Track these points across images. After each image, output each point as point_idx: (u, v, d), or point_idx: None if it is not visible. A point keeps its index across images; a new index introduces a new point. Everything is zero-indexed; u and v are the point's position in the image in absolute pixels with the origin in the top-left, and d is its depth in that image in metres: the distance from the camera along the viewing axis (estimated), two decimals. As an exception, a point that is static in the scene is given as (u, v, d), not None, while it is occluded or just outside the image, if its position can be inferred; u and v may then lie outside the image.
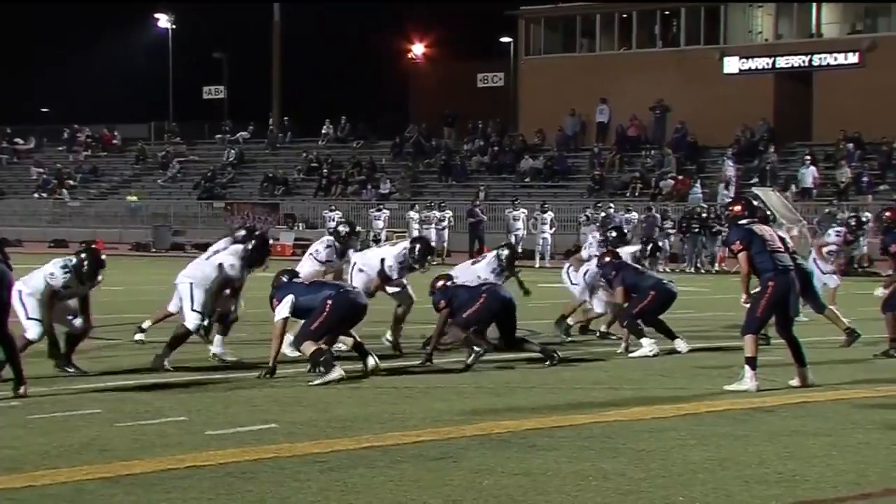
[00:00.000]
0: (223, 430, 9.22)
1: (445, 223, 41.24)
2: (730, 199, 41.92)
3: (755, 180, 43.86)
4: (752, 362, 11.43)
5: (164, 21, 65.35)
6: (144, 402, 10.51)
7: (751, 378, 11.37)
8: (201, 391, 11.29)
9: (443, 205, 42.43)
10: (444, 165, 52.84)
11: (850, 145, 45.73)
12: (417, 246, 14.25)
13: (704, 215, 36.98)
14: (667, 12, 53.24)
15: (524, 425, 9.48)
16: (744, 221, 11.90)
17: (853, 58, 48.54)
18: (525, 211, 40.51)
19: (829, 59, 48.99)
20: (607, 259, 15.27)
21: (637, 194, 46.17)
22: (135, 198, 55.02)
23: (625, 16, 54.06)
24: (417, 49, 70.72)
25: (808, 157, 44.88)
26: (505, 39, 59.88)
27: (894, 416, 10.08)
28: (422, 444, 8.73)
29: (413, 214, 41.84)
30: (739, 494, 7.33)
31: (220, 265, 13.03)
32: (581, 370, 13.12)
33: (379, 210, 44.01)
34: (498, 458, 8.29)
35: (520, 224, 39.68)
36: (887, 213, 14.83)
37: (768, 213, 33.89)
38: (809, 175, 44.08)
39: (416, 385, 11.81)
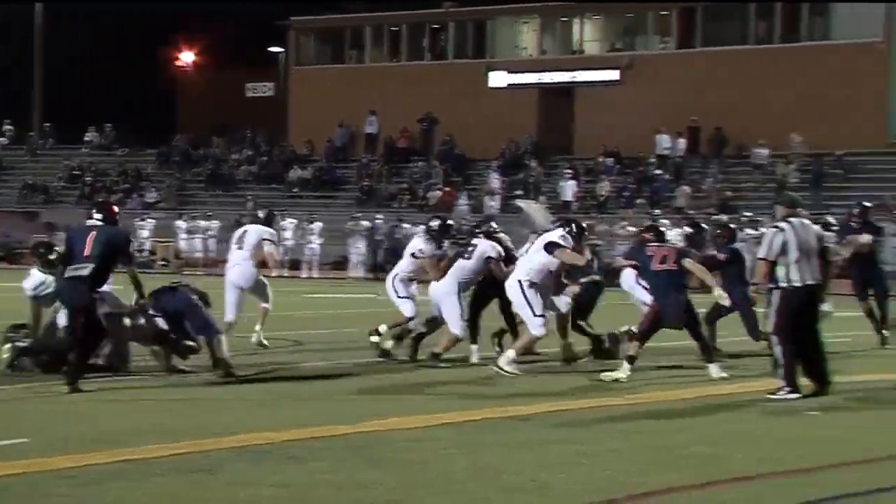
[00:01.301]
0: (-30, 446, 8.97)
1: (212, 232, 40.86)
2: (496, 209, 43.10)
3: (520, 192, 44.80)
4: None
5: (-82, 21, 62.83)
6: None
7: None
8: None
9: (209, 214, 42.00)
10: (211, 174, 52.29)
11: (610, 160, 47.18)
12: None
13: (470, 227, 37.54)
14: (435, 26, 53.95)
15: (283, 436, 9.50)
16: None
17: (613, 75, 50.07)
18: (294, 221, 40.45)
19: (591, 76, 50.42)
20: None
21: (405, 205, 46.60)
22: None
23: (394, 28, 54.54)
24: (186, 57, 69.77)
25: (570, 171, 46.12)
26: (275, 49, 59.66)
27: (638, 424, 10.47)
28: (180, 457, 8.67)
29: (180, 224, 41.29)
30: (495, 502, 7.52)
31: None
32: (342, 382, 13.16)
33: (143, 220, 43.29)
34: (256, 469, 8.30)
35: (288, 234, 39.58)
36: (718, 231, 15.61)
37: (531, 224, 35.00)
38: (570, 188, 45.30)
39: (179, 397, 11.71)
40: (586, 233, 14.89)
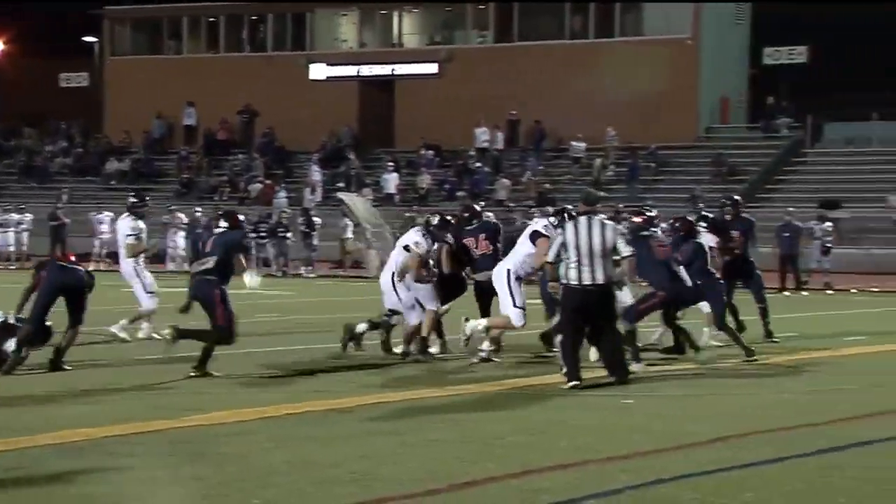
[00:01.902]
0: None
1: (25, 226, 39.83)
2: (317, 202, 43.00)
3: (341, 185, 44.80)
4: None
5: None
6: None
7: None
8: None
9: (22, 207, 40.94)
10: (24, 166, 50.97)
11: (430, 152, 47.49)
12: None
13: (289, 220, 37.43)
14: (254, 17, 53.49)
15: (102, 432, 9.36)
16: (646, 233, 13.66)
17: (432, 68, 50.39)
18: (111, 214, 39.62)
19: (410, 69, 50.64)
20: None
21: (225, 198, 46.13)
22: None
23: (212, 19, 53.90)
24: (-4, 45, 67.73)
25: (391, 164, 46.31)
26: (89, 39, 58.33)
27: (460, 415, 10.61)
28: (-6, 456, 8.48)
29: (-9, 217, 40.12)
30: (314, 495, 7.53)
31: None
32: (166, 372, 12.99)
33: (-48, 213, 41.92)
34: (74, 466, 8.16)
35: (105, 227, 38.77)
36: (678, 223, 14.95)
37: (353, 218, 35.05)
38: (392, 181, 45.50)
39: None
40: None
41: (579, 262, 12.00)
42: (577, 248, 12.01)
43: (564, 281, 12.15)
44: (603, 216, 12.55)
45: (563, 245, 12.15)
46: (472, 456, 8.65)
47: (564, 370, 12.04)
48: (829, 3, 50.04)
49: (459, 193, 44.19)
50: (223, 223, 13.34)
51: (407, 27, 52.34)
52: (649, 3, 47.92)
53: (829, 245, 30.88)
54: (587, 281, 12.02)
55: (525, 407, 11.07)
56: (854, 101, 48.20)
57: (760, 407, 11.20)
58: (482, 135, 47.38)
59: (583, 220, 12.20)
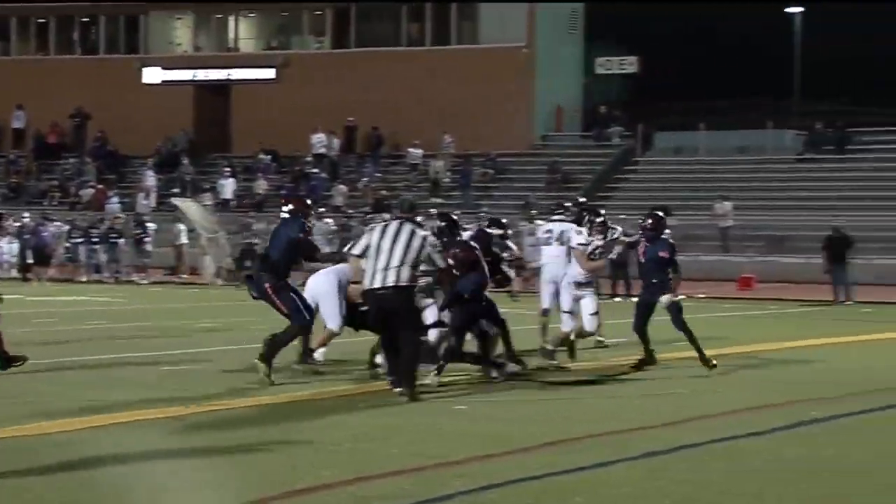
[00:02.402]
0: None
1: None
2: (152, 208, 42.40)
3: (176, 190, 44.21)
4: None
5: None
6: None
7: None
8: None
9: None
10: None
11: (268, 158, 47.20)
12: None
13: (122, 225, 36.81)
14: (86, 19, 52.50)
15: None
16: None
17: (269, 73, 50.09)
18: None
19: (246, 74, 50.25)
20: None
21: (55, 203, 45.17)
22: None
23: (42, 20, 52.73)
24: None
25: (228, 169, 45.89)
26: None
27: (293, 423, 10.56)
28: None
29: None
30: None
31: None
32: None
33: None
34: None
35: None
36: (649, 221, 14.57)
37: (188, 223, 34.62)
38: (228, 186, 45.11)
39: None
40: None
41: (376, 266, 11.89)
42: (378, 251, 11.90)
43: (368, 284, 12.07)
44: (413, 225, 12.17)
45: (366, 248, 12.05)
46: (305, 463, 8.63)
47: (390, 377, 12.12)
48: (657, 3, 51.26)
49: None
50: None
51: (243, 32, 51.98)
52: (485, 2, 48.29)
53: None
54: (378, 284, 11.90)
55: (359, 413, 11.06)
56: (682, 111, 49.45)
57: (592, 411, 11.40)
58: (319, 141, 47.26)
59: (392, 225, 12.12)
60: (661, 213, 14.86)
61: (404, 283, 11.91)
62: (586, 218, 15.42)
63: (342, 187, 44.72)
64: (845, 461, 8.96)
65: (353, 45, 50.06)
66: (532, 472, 8.34)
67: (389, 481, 8.07)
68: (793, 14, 50.87)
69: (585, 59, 50.49)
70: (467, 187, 44.19)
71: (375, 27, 50.17)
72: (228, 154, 49.44)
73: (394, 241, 11.93)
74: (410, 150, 46.96)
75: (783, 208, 40.11)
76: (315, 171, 46.03)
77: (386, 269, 11.87)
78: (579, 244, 14.87)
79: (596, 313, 15.10)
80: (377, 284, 11.92)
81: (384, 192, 43.89)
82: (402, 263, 11.88)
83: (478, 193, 44.18)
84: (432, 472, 8.37)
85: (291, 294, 13.12)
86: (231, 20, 51.56)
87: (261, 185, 45.43)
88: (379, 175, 46.55)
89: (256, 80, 49.96)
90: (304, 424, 10.41)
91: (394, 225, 12.13)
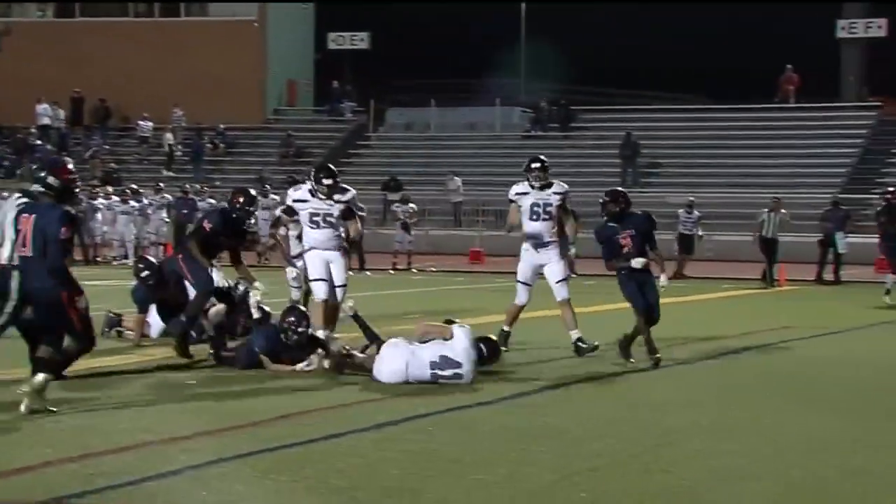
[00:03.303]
0: None
1: None
2: None
3: None
4: None
5: None
6: None
7: None
8: None
9: None
10: None
11: (-11, 129, 45.53)
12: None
13: None
14: None
15: None
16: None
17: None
18: None
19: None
20: None
21: None
22: None
23: None
24: None
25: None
26: None
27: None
28: None
29: None
30: None
31: None
32: None
33: None
34: None
35: None
36: (609, 202, 13.17)
37: None
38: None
39: None
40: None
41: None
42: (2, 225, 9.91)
43: None
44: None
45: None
46: (27, 440, 8.38)
47: None
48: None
49: (19, 171, 42.54)
50: None
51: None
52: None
53: (409, 222, 31.44)
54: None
55: (86, 390, 10.77)
56: (413, 88, 50.00)
57: (325, 384, 11.39)
58: (44, 112, 45.78)
59: (14, 197, 10.00)
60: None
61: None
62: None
63: (68, 159, 43.37)
64: (558, 427, 9.26)
65: (79, 14, 48.64)
66: (263, 445, 8.32)
67: (114, 458, 7.90)
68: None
69: (317, 33, 50.46)
70: (199, 160, 43.58)
71: (101, -3, 48.95)
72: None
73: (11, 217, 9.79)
74: (140, 122, 46.00)
75: (511, 184, 40.93)
76: (39, 142, 44.53)
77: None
78: None
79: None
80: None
81: (113, 165, 42.92)
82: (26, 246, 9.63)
83: (210, 167, 43.63)
84: (159, 448, 8.24)
85: None
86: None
87: (-20, 158, 43.73)
88: (107, 147, 45.43)
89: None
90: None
91: (13, 198, 10.02)
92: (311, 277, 13.19)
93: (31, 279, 9.51)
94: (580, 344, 13.36)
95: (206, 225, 13.11)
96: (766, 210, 27.36)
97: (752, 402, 10.65)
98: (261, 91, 47.97)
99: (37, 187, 9.77)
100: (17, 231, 9.63)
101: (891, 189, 24.31)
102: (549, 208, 13.74)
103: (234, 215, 13.13)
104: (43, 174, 9.81)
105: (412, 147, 45.45)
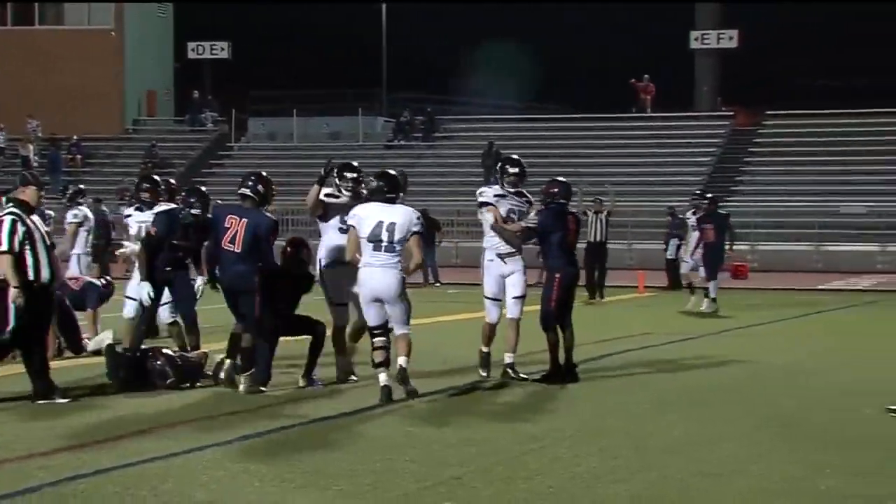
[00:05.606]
0: None
1: None
2: None
3: None
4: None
5: None
6: None
7: None
8: None
9: None
10: None
11: None
12: None
13: None
14: None
15: None
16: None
17: None
18: None
19: None
20: None
21: None
22: None
23: None
24: None
25: None
26: None
27: None
28: None
29: None
30: None
31: None
32: None
33: None
34: None
35: None
36: (553, 188, 12.99)
37: None
38: None
39: None
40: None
41: None
42: None
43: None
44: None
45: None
46: None
47: None
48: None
49: None
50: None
51: None
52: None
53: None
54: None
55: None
56: (275, 98, 49.78)
57: (189, 396, 11.24)
58: None
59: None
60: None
61: None
62: None
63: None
64: (424, 437, 9.29)
65: (-73, 22, 47.52)
66: (124, 460, 8.19)
67: None
68: (380, 6, 52.01)
69: (177, 43, 49.93)
70: (56, 172, 42.75)
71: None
72: None
73: None
74: (-6, 133, 45.04)
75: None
76: None
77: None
78: None
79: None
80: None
81: (-34, 178, 41.91)
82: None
83: (69, 178, 42.83)
84: (16, 465, 8.06)
85: None
86: None
87: None
88: (-40, 159, 44.41)
89: None
90: None
91: None
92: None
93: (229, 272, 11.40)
94: (510, 371, 12.59)
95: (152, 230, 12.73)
96: (592, 211, 24.62)
97: (616, 407, 10.81)
98: (119, 101, 47.27)
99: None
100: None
101: (709, 196, 23.44)
102: (522, 216, 13.02)
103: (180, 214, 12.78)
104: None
105: (275, 157, 45.16)
